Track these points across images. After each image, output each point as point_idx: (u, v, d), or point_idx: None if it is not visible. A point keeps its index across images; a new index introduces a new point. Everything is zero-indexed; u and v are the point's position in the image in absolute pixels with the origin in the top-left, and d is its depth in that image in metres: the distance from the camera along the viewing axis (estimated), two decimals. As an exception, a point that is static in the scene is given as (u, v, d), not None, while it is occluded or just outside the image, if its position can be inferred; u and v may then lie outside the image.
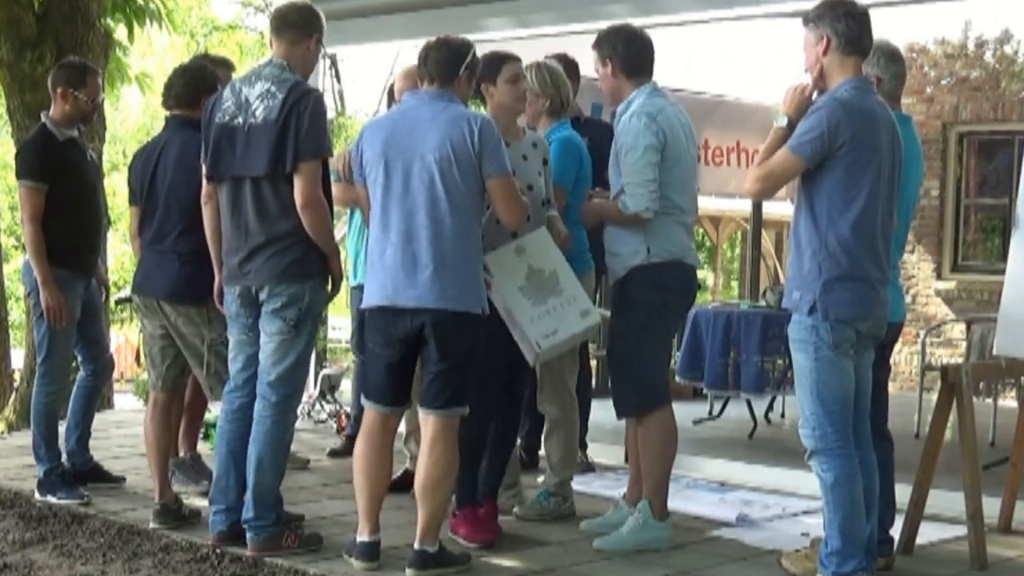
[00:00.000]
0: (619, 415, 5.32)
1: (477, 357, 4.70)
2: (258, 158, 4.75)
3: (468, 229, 4.63)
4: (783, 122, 4.43)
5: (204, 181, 4.99)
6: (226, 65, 6.19)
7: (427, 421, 4.66)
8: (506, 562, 4.86)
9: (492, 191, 4.65)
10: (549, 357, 5.01)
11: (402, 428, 5.46)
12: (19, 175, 5.80)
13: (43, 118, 5.86)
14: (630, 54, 5.18)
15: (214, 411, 7.13)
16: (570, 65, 6.43)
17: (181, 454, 6.18)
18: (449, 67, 4.70)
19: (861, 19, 4.39)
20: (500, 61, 5.06)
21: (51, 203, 5.70)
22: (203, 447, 7.00)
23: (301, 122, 4.71)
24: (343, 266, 5.09)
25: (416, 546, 4.63)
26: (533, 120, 5.54)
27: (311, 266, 4.82)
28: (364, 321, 4.83)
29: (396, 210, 4.61)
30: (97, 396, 6.35)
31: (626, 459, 6.77)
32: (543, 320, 4.88)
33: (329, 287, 4.96)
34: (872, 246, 4.36)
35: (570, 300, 4.93)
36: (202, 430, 7.26)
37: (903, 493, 5.11)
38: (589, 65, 6.58)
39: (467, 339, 4.64)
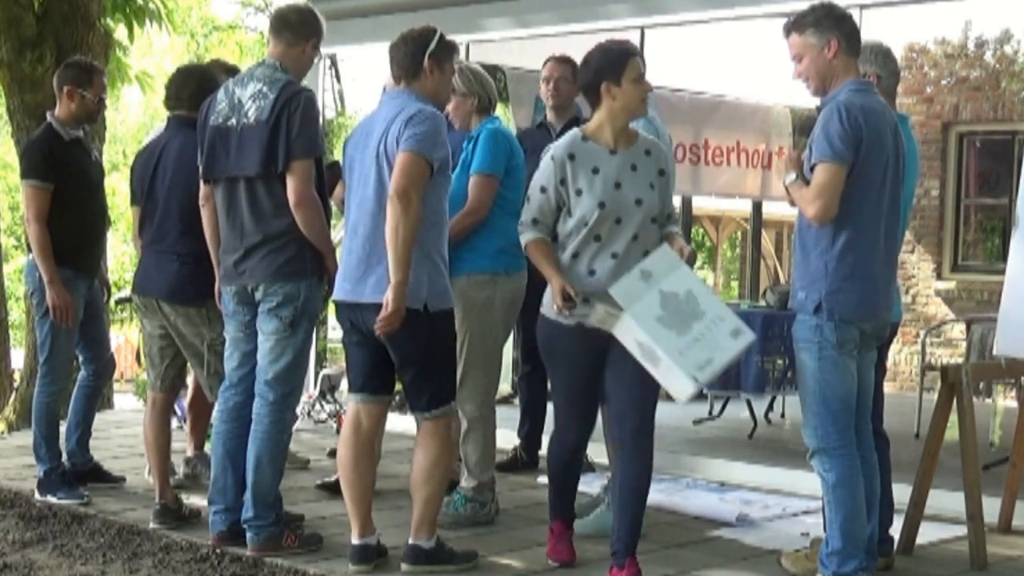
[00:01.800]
0: None
1: (442, 355, 4.66)
2: (251, 158, 4.77)
3: None
4: (792, 177, 4.42)
5: (201, 183, 5.01)
6: (231, 72, 6.16)
7: (419, 424, 4.70)
8: (506, 562, 4.86)
9: (395, 163, 4.50)
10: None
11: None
12: (24, 174, 5.80)
13: (48, 117, 5.87)
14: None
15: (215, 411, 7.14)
16: (576, 70, 6.45)
17: (189, 454, 6.19)
18: (410, 62, 4.68)
19: (852, 19, 4.43)
20: (625, 56, 4.58)
21: (56, 203, 5.71)
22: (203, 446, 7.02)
23: (292, 121, 4.72)
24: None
25: (410, 541, 4.64)
26: (464, 119, 5.56)
27: (306, 265, 4.84)
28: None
29: (353, 208, 4.68)
30: (98, 396, 6.35)
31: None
32: (692, 350, 4.30)
33: (325, 286, 4.98)
34: (879, 246, 4.37)
35: (716, 321, 4.36)
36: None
37: (903, 493, 5.11)
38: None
39: (413, 335, 4.54)
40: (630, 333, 4.32)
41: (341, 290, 4.70)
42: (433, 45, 4.67)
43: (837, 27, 4.35)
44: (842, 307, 4.30)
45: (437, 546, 4.67)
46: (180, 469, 6.15)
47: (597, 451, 6.65)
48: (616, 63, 4.54)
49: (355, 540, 4.68)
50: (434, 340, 4.60)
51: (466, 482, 5.45)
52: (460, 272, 5.20)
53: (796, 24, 4.41)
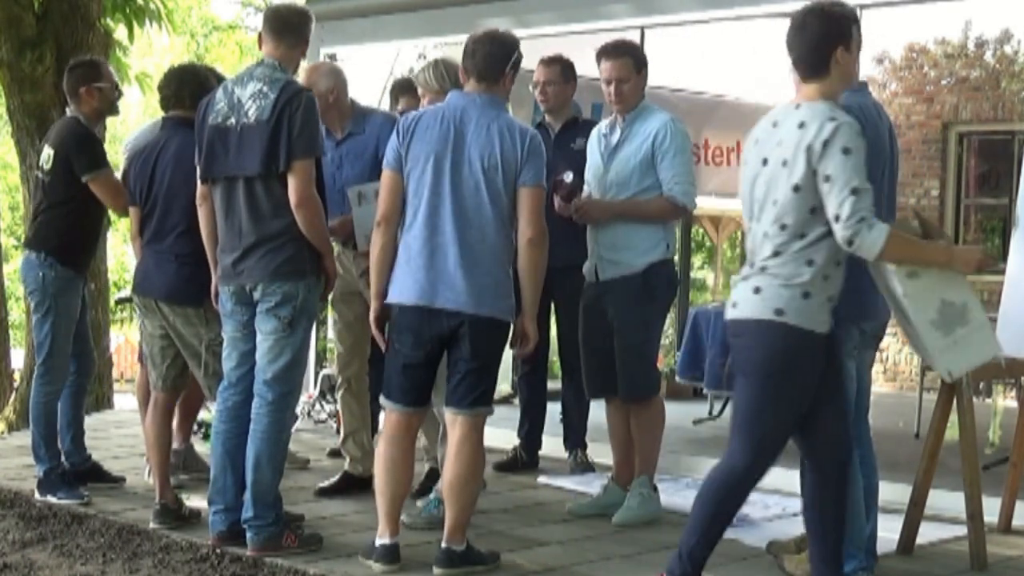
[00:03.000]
0: (633, 399, 5.56)
1: (499, 360, 4.77)
2: (251, 158, 4.77)
3: (508, 238, 4.68)
4: None
5: (199, 182, 5.00)
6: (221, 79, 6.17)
7: (455, 421, 4.68)
8: (506, 562, 4.86)
9: (522, 199, 4.61)
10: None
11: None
12: (89, 168, 5.68)
13: (70, 113, 5.85)
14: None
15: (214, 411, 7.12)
16: (566, 67, 6.43)
17: (175, 446, 6.19)
18: (495, 64, 4.70)
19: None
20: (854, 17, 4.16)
21: (72, 199, 5.71)
22: (203, 447, 7.01)
23: (294, 121, 4.72)
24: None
25: (443, 544, 4.64)
26: None
27: (304, 265, 4.83)
28: (392, 316, 4.73)
29: (443, 212, 4.60)
30: (84, 394, 6.32)
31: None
32: (950, 352, 4.16)
33: (323, 285, 4.97)
34: None
35: (979, 327, 4.19)
36: (202, 430, 7.27)
37: (903, 493, 5.11)
38: (588, 65, 6.57)
39: (498, 344, 4.72)
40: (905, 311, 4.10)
41: (411, 293, 4.62)
42: (516, 55, 4.76)
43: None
44: (843, 308, 4.29)
45: (468, 548, 4.69)
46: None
47: (597, 451, 6.67)
48: (850, 24, 4.09)
49: (386, 540, 4.68)
50: (502, 348, 4.75)
51: (441, 484, 5.44)
52: None
53: None
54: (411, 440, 4.79)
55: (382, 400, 4.80)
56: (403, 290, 4.66)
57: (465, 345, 4.61)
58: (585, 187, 5.62)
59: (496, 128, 4.62)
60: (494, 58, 4.70)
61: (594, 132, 5.71)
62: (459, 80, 5.50)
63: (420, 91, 5.53)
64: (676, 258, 6.41)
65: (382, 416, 6.51)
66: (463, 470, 4.64)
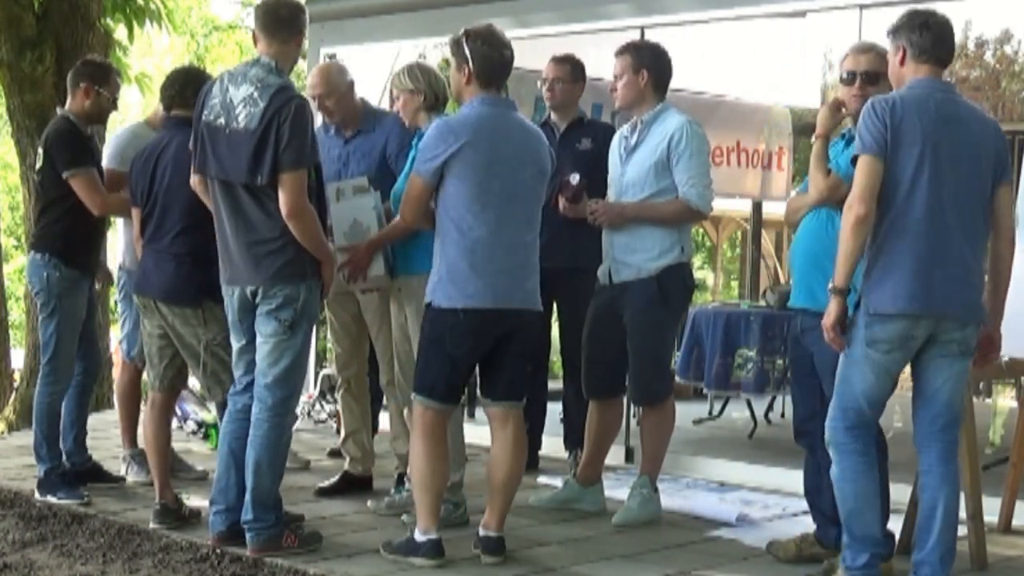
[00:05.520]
0: (648, 402, 5.64)
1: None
2: (237, 167, 4.74)
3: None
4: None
5: (192, 170, 4.97)
6: None
7: (507, 416, 4.85)
8: (506, 562, 4.86)
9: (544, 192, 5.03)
10: None
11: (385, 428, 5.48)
12: (68, 165, 5.67)
13: (61, 112, 5.85)
14: (665, 71, 5.53)
15: (213, 411, 7.13)
16: (576, 66, 6.44)
17: (125, 452, 6.20)
18: (509, 71, 4.94)
19: (937, 29, 4.60)
20: None
21: (71, 199, 5.70)
22: (203, 447, 7.02)
23: (282, 133, 4.67)
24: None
25: (493, 534, 4.83)
26: (412, 116, 5.43)
27: (305, 267, 4.81)
28: (437, 320, 4.76)
29: (508, 216, 4.77)
30: (89, 395, 6.33)
31: (627, 457, 6.81)
32: None
33: (320, 291, 4.96)
34: (930, 238, 4.24)
35: None
36: (202, 430, 7.27)
37: (903, 493, 5.11)
38: (588, 66, 6.58)
39: (536, 334, 5.07)
40: None
41: (484, 298, 4.72)
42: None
43: (907, 35, 4.63)
44: (876, 301, 4.23)
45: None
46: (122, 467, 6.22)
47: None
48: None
49: (432, 535, 4.75)
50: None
51: None
52: (423, 269, 5.05)
53: (888, 31, 4.67)
54: (445, 435, 4.86)
55: (419, 398, 4.81)
56: (476, 294, 4.72)
57: (521, 341, 4.84)
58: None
59: (533, 132, 4.95)
60: (510, 64, 4.90)
61: (616, 136, 5.72)
62: (433, 81, 5.43)
63: (395, 92, 5.51)
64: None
65: (382, 416, 6.58)
66: (519, 466, 4.90)
